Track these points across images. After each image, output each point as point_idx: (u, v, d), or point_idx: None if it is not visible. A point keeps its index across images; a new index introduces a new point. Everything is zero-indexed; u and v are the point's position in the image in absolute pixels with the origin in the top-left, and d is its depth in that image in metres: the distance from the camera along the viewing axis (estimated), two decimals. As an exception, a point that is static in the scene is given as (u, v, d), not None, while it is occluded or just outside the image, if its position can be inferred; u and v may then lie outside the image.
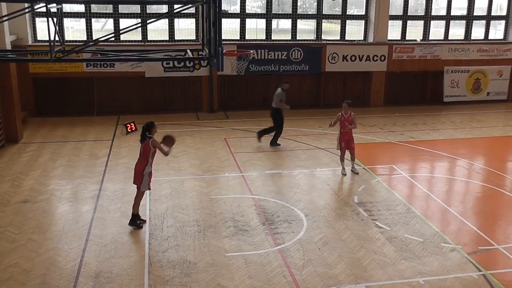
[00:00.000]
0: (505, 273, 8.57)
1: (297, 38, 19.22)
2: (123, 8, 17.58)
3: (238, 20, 18.67)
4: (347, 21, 19.62)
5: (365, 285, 8.13)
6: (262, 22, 18.96)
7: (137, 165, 9.51)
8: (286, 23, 19.25)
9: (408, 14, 19.97)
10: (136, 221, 9.75)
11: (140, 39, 17.94)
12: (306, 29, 19.59)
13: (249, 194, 11.11)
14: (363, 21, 19.69)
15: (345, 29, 19.50)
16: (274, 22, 19.24)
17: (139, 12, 17.59)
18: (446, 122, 17.73)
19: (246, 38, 18.82)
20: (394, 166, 13.21)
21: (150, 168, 9.47)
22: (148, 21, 12.84)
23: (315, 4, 19.19)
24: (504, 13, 21.07)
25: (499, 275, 8.47)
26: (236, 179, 12.14)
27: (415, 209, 10.74)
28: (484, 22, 20.91)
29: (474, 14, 20.68)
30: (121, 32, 9.67)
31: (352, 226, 10.01)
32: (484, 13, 20.83)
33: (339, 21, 19.54)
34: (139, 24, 16.33)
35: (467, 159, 14.07)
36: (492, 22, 21.05)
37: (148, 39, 17.98)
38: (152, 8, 18.14)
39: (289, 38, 19.18)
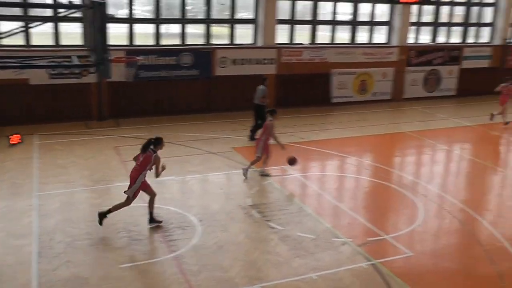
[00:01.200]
0: (393, 261, 9.13)
1: (187, 42, 19.17)
2: (3, 10, 16.48)
3: (127, 25, 18.27)
4: (237, 25, 19.91)
5: (260, 286, 8.26)
6: (151, 27, 18.70)
7: (132, 172, 9.83)
8: (176, 28, 19.15)
9: (296, 18, 20.67)
10: (154, 219, 10.04)
11: (23, 43, 16.95)
12: (196, 33, 19.62)
13: (142, 203, 10.87)
14: (252, 25, 20.09)
15: (234, 33, 19.77)
16: (164, 26, 19.05)
17: (22, 14, 16.58)
18: (334, 122, 18.54)
19: (135, 43, 18.46)
20: (285, 167, 13.57)
21: (144, 178, 9.76)
22: (31, 25, 12.15)
23: (205, 8, 19.26)
24: (386, 18, 22.51)
25: (387, 263, 9.00)
26: (126, 188, 11.82)
27: (307, 208, 11.10)
28: (368, 27, 22.18)
29: (359, 19, 21.88)
30: (0, 36, 9.13)
31: (246, 229, 10.14)
32: (368, 18, 22.11)
33: (229, 25, 19.77)
34: (22, 28, 15.38)
35: (355, 157, 14.82)
36: (375, 27, 22.40)
37: (32, 43, 17.04)
38: (36, 11, 17.19)
39: (179, 42, 19.08)
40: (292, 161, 12.47)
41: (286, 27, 20.60)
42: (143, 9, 19.16)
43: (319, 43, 21.22)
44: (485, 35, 25.08)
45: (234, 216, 10.65)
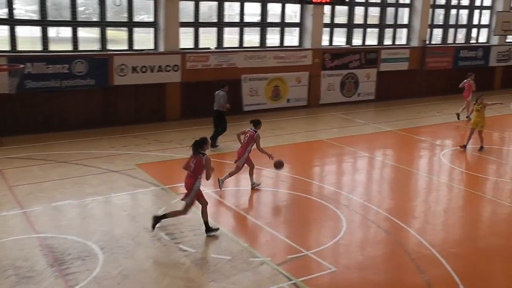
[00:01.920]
0: (316, 278, 9.24)
1: (80, 48, 18.61)
2: None
3: (7, 27, 17.43)
4: (136, 28, 19.61)
5: (171, 317, 8.05)
6: (37, 30, 17.94)
7: (186, 180, 10.40)
8: (67, 31, 18.52)
9: (200, 20, 20.70)
10: (210, 228, 10.55)
11: None
12: (90, 38, 19.09)
13: (33, 233, 10.33)
14: (153, 28, 19.87)
15: (133, 38, 19.46)
16: (53, 30, 18.37)
17: None
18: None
19: (18, 49, 17.65)
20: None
21: (200, 185, 10.33)
22: None
23: (99, 9, 18.80)
24: (297, 19, 23.10)
25: (310, 281, 9.09)
26: (16, 217, 11.24)
27: (221, 226, 11.02)
28: (278, 29, 22.64)
29: (268, 20, 22.29)
30: None
31: (154, 254, 9.90)
32: (278, 19, 22.58)
33: (126, 28, 19.43)
34: None
35: (271, 169, 14.96)
36: (287, 29, 22.91)
37: None
38: None
39: (71, 48, 18.48)
40: (279, 165, 12.85)
41: (190, 30, 20.58)
42: (26, 8, 18.36)
43: (227, 47, 21.37)
44: (402, 36, 26.43)
45: (141, 240, 10.37)
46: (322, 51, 23.24)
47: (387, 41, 25.87)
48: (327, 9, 23.43)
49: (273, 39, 22.62)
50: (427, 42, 26.46)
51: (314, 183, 14.02)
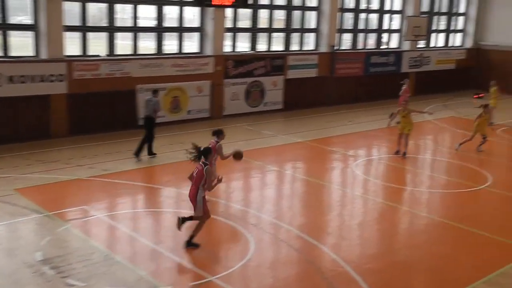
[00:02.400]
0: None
1: None
2: None
3: None
4: (12, 31, 18.78)
5: None
6: None
7: (190, 191, 10.99)
8: None
9: (89, 24, 20.15)
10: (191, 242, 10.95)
11: None
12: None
13: None
14: (32, 32, 19.10)
15: (9, 43, 18.61)
16: None
17: None
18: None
19: None
20: (86, 207, 12.94)
21: (203, 193, 10.84)
22: None
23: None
24: (197, 24, 23.04)
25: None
26: None
27: (115, 255, 10.64)
28: (176, 34, 22.47)
29: (165, 25, 22.07)
30: None
31: (36, 290, 9.36)
32: (176, 24, 22.40)
33: (0, 31, 18.56)
34: None
35: (172, 187, 14.70)
36: (186, 34, 22.78)
37: None
38: None
39: None
40: (238, 155, 12.67)
41: (76, 35, 19.97)
42: None
43: (119, 54, 20.94)
44: (310, 41, 27.07)
45: (19, 277, 9.80)
46: (225, 58, 23.31)
47: (294, 47, 26.40)
48: (229, 12, 23.56)
49: (170, 45, 22.43)
50: (336, 47, 27.25)
51: (220, 201, 13.91)
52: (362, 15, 29.19)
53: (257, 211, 13.31)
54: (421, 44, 32.20)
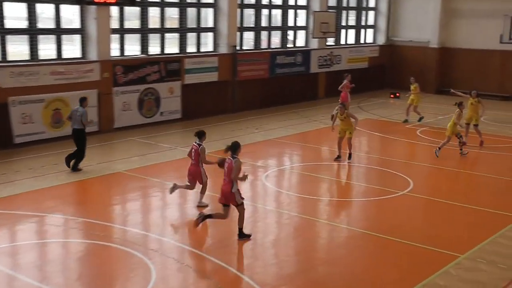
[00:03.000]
0: None
1: None
2: None
3: None
4: None
5: None
6: None
7: (224, 186, 12.88)
8: None
9: None
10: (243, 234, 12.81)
11: None
12: None
13: None
14: None
15: None
16: None
17: None
18: (22, 170, 17.65)
19: None
20: None
21: (237, 185, 12.81)
22: None
23: None
24: (78, 25, 22.48)
25: None
26: None
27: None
28: (54, 36, 21.82)
29: (39, 26, 21.38)
30: None
31: None
32: (53, 25, 21.75)
33: None
34: None
35: (59, 213, 14.22)
36: (65, 36, 22.17)
37: None
38: None
39: None
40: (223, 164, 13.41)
41: None
42: None
43: (-16, 61, 20.17)
44: (208, 42, 27.10)
45: None
46: (112, 63, 22.92)
47: (191, 48, 26.34)
48: (114, 11, 23.20)
49: (47, 49, 21.77)
50: (238, 47, 27.43)
51: (114, 226, 13.60)
52: (265, 11, 29.58)
53: (158, 235, 13.08)
54: (331, 41, 33.03)
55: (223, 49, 26.98)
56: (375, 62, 35.36)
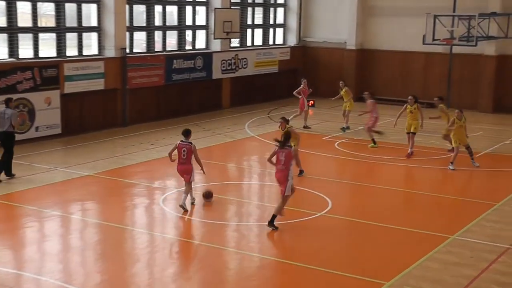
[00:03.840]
0: None
1: None
2: None
3: None
4: None
5: None
6: None
7: (278, 173, 15.43)
8: None
9: None
10: (273, 223, 15.28)
11: None
12: None
13: None
14: None
15: None
16: None
17: None
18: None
19: None
20: None
21: (292, 174, 15.44)
22: None
23: None
24: None
25: None
26: None
27: None
28: None
29: None
30: None
31: None
32: None
33: None
34: None
35: None
36: None
37: None
38: None
39: None
40: (208, 195, 17.28)
41: None
42: None
43: None
44: (92, 44, 26.72)
45: None
46: (-25, 69, 22.25)
47: (71, 51, 25.91)
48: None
49: None
50: (128, 50, 27.17)
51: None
52: (158, 8, 29.46)
53: (36, 273, 12.73)
54: (235, 43, 33.23)
55: (110, 52, 26.67)
56: (286, 66, 35.84)
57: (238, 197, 18.17)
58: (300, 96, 27.30)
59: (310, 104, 31.18)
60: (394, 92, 34.27)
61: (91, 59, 26.18)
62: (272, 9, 36.20)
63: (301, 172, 19.96)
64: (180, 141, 16.67)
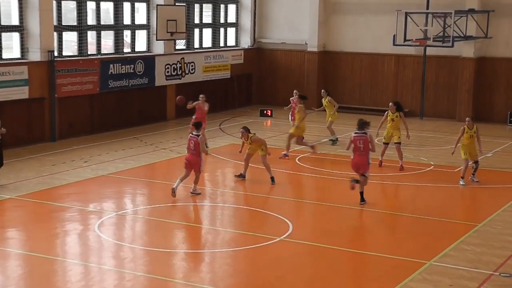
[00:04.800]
0: None
1: None
2: None
3: None
4: None
5: None
6: None
7: (358, 159, 19.24)
8: None
9: None
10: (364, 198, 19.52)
11: None
12: None
13: None
14: None
15: None
16: None
17: None
18: None
19: None
20: None
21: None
22: None
23: None
24: None
25: None
26: None
27: None
28: None
29: None
30: None
31: None
32: None
33: None
34: None
35: None
36: None
37: None
38: None
39: None
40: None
41: None
42: None
43: None
44: (13, 46, 26.45)
45: None
46: None
47: (-8, 54, 25.65)
48: None
49: None
50: (56, 53, 26.94)
51: None
52: (91, 4, 29.27)
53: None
54: (181, 44, 33.15)
55: (35, 56, 26.49)
56: (239, 70, 35.95)
57: (186, 221, 18.12)
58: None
59: (268, 114, 31.33)
60: (361, 100, 34.62)
61: (12, 63, 25.97)
62: (222, 6, 36.25)
63: (272, 179, 21.02)
64: (191, 133, 20.06)
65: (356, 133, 19.12)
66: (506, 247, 16.09)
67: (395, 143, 23.38)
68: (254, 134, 20.82)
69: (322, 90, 28.15)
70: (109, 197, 20.24)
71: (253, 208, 19.04)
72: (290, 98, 26.98)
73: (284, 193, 20.74)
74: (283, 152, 24.49)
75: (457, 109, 33.18)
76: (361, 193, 19.21)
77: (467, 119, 21.77)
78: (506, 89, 33.04)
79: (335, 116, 27.51)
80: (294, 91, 27.23)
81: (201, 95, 25.80)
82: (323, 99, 27.74)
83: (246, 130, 20.60)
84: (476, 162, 21.68)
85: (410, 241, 16.86)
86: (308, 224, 18.42)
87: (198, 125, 20.21)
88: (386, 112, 23.67)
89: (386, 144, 23.56)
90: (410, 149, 24.99)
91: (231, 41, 36.90)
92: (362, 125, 19.21)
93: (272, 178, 21.08)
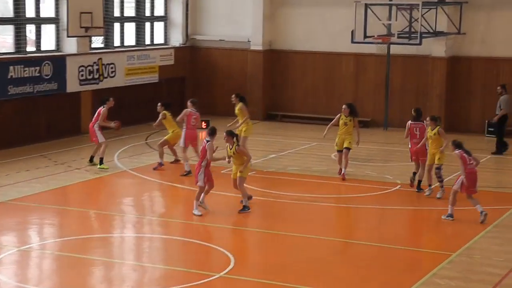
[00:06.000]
0: None
1: None
2: None
3: None
4: None
5: None
6: None
7: (415, 146, 23.31)
8: None
9: None
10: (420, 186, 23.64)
11: None
12: None
13: None
14: None
15: None
16: None
17: None
18: None
19: None
20: None
21: None
22: None
23: None
24: None
25: None
26: None
27: None
28: None
29: None
30: None
31: None
32: None
33: None
34: None
35: None
36: None
37: None
38: None
39: None
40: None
41: None
42: None
43: None
44: None
45: None
46: None
47: None
48: None
49: None
50: None
51: None
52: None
53: None
54: (98, 42, 32.88)
55: None
56: (169, 73, 35.78)
57: (106, 257, 17.86)
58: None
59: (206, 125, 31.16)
60: (314, 108, 34.69)
61: None
62: (147, -2, 36.07)
63: (250, 197, 21.13)
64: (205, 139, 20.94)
65: (413, 122, 23.13)
66: (486, 280, 16.20)
67: (345, 147, 23.82)
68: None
69: (233, 96, 27.20)
70: (9, 229, 19.86)
71: (188, 239, 18.90)
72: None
73: (225, 220, 20.63)
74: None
75: (427, 116, 33.11)
76: (419, 182, 23.02)
77: (427, 118, 22.75)
78: (483, 93, 33.33)
79: (250, 130, 26.61)
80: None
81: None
82: (235, 105, 26.80)
83: (230, 134, 20.10)
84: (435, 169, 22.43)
85: (373, 276, 16.84)
86: (253, 257, 18.32)
87: (213, 130, 21.00)
88: (339, 115, 23.82)
89: (340, 151, 23.94)
90: (373, 166, 25.11)
91: (159, 38, 36.76)
92: (420, 114, 23.40)
93: (245, 207, 20.77)
